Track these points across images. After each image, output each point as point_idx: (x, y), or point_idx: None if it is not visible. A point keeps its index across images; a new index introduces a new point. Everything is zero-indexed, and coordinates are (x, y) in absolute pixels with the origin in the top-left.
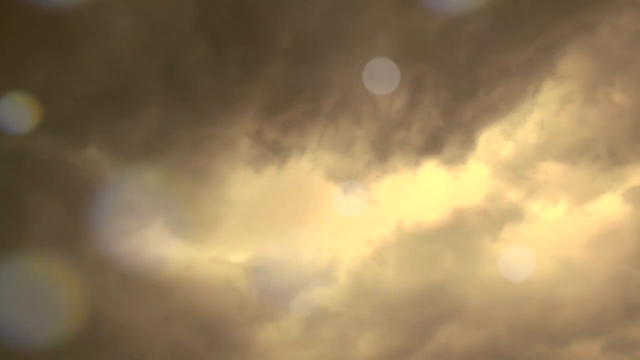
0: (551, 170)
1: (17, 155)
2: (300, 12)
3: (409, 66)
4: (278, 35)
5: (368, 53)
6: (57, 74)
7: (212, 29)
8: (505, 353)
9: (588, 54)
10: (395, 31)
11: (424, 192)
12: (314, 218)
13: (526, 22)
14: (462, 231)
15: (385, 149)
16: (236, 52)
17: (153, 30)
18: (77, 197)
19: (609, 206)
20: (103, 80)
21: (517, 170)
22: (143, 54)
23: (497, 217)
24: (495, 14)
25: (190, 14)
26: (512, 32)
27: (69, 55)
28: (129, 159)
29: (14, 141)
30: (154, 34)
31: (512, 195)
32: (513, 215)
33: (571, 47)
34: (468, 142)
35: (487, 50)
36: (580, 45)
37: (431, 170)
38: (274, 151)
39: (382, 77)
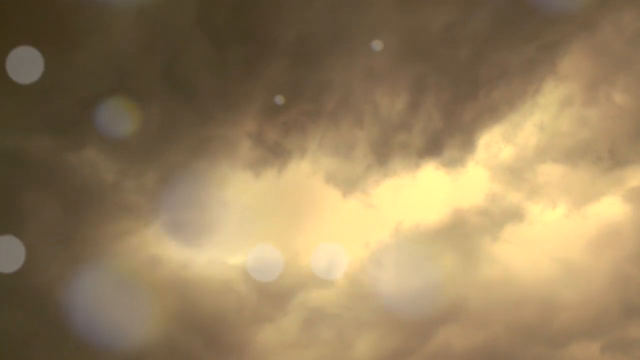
0: (551, 172)
1: (16, 155)
2: (302, 11)
3: (410, 66)
4: (279, 34)
5: (369, 53)
6: (56, 73)
7: (213, 28)
8: (505, 354)
9: (589, 53)
10: (396, 30)
11: (423, 194)
12: (313, 221)
13: (527, 21)
14: (461, 233)
15: (385, 152)
16: (237, 52)
17: (153, 30)
18: (76, 198)
19: (609, 207)
20: (103, 80)
21: (516, 173)
22: (143, 53)
23: (496, 219)
24: (496, 13)
25: (191, 13)
26: (513, 30)
27: (68, 55)
28: (128, 160)
29: (13, 141)
30: (154, 33)
31: (511, 197)
32: (512, 217)
33: (572, 46)
34: (468, 144)
35: (488, 49)
36: (582, 44)
37: (430, 173)
38: (275, 153)
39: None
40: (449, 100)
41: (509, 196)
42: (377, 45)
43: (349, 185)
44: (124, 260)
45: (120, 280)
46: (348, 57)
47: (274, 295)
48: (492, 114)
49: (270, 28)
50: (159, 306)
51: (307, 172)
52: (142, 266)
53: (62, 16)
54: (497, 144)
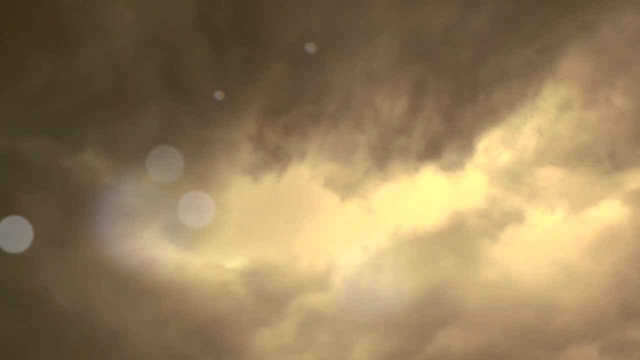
0: (550, 176)
1: (14, 157)
2: (302, 12)
3: (410, 68)
4: (280, 35)
5: (370, 54)
6: (55, 75)
7: (213, 29)
8: (504, 357)
9: (589, 54)
10: (397, 32)
11: (422, 198)
12: (312, 225)
13: (527, 21)
14: (459, 236)
15: (385, 156)
16: (237, 53)
17: (153, 30)
18: (74, 201)
19: (608, 211)
20: (101, 82)
21: (515, 177)
22: (142, 53)
23: (495, 223)
24: (496, 14)
25: (191, 14)
26: (513, 31)
27: (67, 56)
28: (127, 162)
29: (11, 143)
30: (154, 33)
31: (510, 201)
32: (511, 221)
33: (572, 47)
34: (467, 148)
35: (488, 50)
36: (582, 45)
37: (429, 177)
38: (275, 157)
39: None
40: (449, 103)
41: (507, 200)
42: (311, 47)
43: (347, 190)
44: (121, 263)
45: (118, 283)
46: (348, 59)
47: (271, 299)
48: (491, 116)
49: (270, 29)
50: (156, 309)
51: (306, 177)
52: (139, 269)
53: (62, 17)
54: (497, 148)
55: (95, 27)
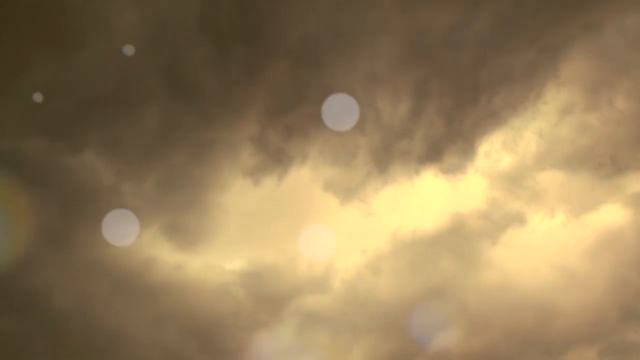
0: (552, 179)
1: (14, 157)
2: (304, 13)
3: (412, 70)
4: (282, 36)
5: (372, 56)
6: (56, 74)
7: (216, 29)
8: None
9: (592, 57)
10: (399, 33)
11: (422, 201)
12: (311, 228)
13: (529, 23)
14: (458, 239)
15: (386, 159)
16: (240, 54)
17: (154, 29)
18: (73, 201)
19: (608, 214)
20: (102, 82)
21: (516, 180)
22: (144, 53)
23: (495, 227)
24: (498, 15)
25: (193, 14)
26: (515, 33)
27: (68, 55)
28: (127, 163)
29: (12, 143)
30: (156, 32)
31: (510, 205)
32: (510, 225)
33: (575, 49)
34: (468, 151)
35: (490, 52)
36: (584, 47)
37: (430, 180)
38: (276, 159)
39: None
40: (450, 105)
41: (508, 203)
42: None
43: (347, 193)
44: (120, 263)
45: (117, 283)
46: (350, 60)
47: (270, 300)
48: (493, 119)
49: (273, 30)
50: (155, 309)
51: (306, 180)
52: (138, 269)
53: (63, 16)
54: (498, 151)
55: (97, 26)
